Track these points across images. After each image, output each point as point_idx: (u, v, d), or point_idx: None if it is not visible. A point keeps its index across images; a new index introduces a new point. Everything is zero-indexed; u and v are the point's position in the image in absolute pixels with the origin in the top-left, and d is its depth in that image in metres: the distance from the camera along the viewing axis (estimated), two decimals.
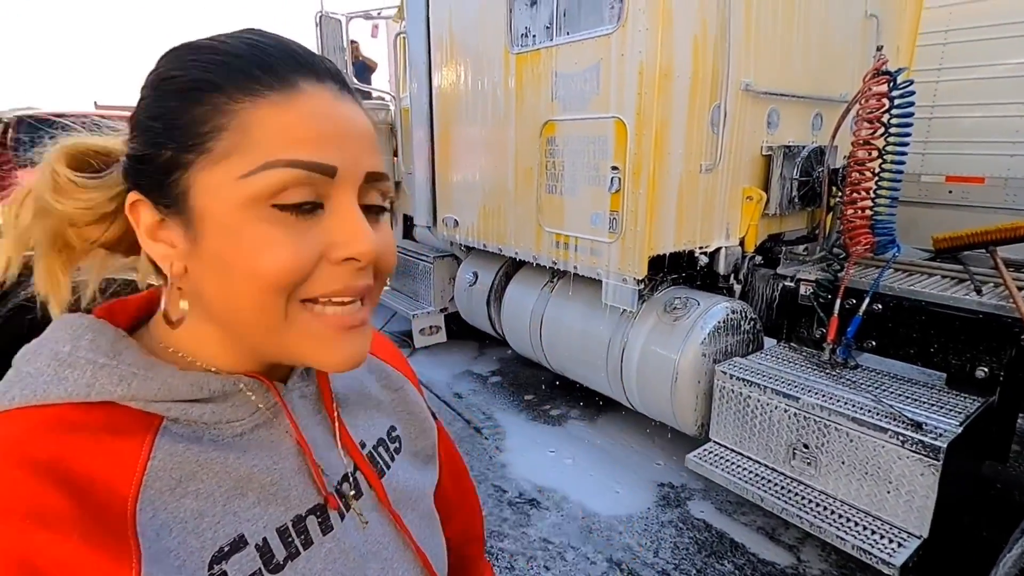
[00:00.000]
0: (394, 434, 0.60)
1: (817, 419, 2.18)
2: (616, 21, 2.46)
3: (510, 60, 3.08)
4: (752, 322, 2.80)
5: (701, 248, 2.85)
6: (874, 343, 2.56)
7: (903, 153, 2.58)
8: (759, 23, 2.74)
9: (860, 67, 3.18)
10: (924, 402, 2.17)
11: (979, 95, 4.86)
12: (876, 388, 2.29)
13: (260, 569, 0.42)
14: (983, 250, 2.68)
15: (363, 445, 0.55)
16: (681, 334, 2.64)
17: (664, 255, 2.70)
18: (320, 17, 4.39)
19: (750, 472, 2.37)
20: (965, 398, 2.19)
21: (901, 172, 2.61)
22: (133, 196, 0.42)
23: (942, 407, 2.12)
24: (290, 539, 0.44)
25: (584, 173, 2.75)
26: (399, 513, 0.54)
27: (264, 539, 0.43)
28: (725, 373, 2.49)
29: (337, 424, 0.53)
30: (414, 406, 0.64)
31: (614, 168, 2.58)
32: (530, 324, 3.47)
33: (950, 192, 5.24)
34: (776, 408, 2.31)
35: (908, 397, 2.21)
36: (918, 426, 1.95)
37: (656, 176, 2.51)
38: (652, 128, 2.41)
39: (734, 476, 2.36)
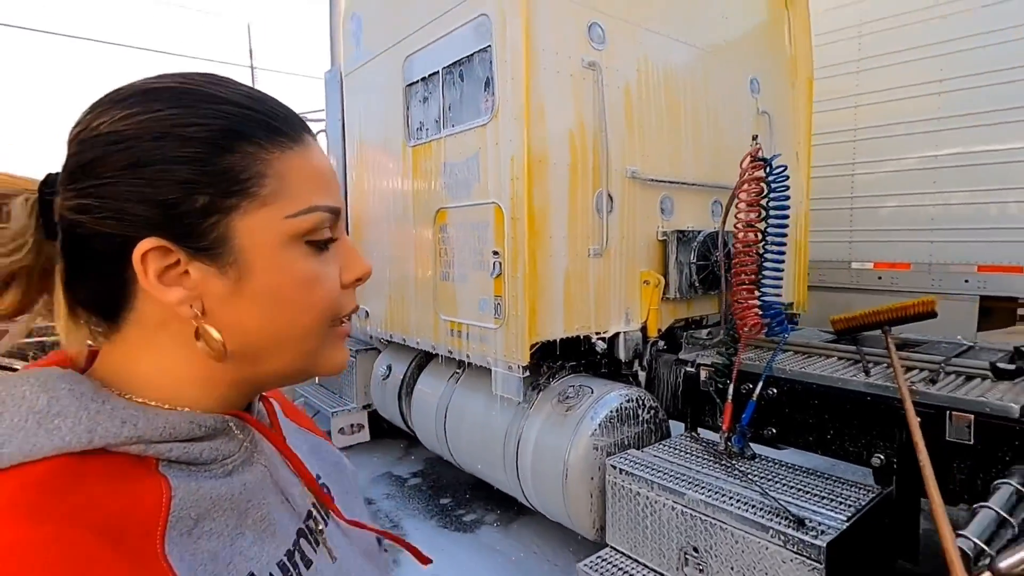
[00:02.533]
0: (321, 481, 0.60)
1: (703, 517, 1.97)
2: (489, 113, 2.54)
3: (407, 153, 3.14)
4: (652, 410, 2.64)
5: (598, 334, 2.75)
6: (774, 431, 2.41)
7: (783, 235, 2.59)
8: (642, 117, 2.85)
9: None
10: (816, 494, 1.99)
11: (893, 186, 5.09)
12: (768, 480, 2.11)
13: None
14: (879, 331, 2.63)
15: (318, 477, 0.58)
16: (572, 425, 2.47)
17: (554, 341, 2.60)
18: None
19: None
20: (861, 489, 2.02)
21: (783, 253, 2.61)
22: (149, 243, 0.40)
23: (834, 500, 1.94)
24: (288, 573, 0.45)
25: (471, 259, 2.71)
26: (357, 520, 0.58)
27: (270, 574, 0.43)
28: (615, 468, 2.29)
29: (289, 458, 0.53)
30: (329, 454, 0.66)
31: (495, 253, 2.54)
32: (435, 417, 3.27)
33: (879, 278, 5.34)
34: (664, 505, 2.10)
35: (800, 489, 2.03)
36: (800, 523, 1.76)
37: (536, 260, 2.46)
38: (526, 213, 2.40)
39: None
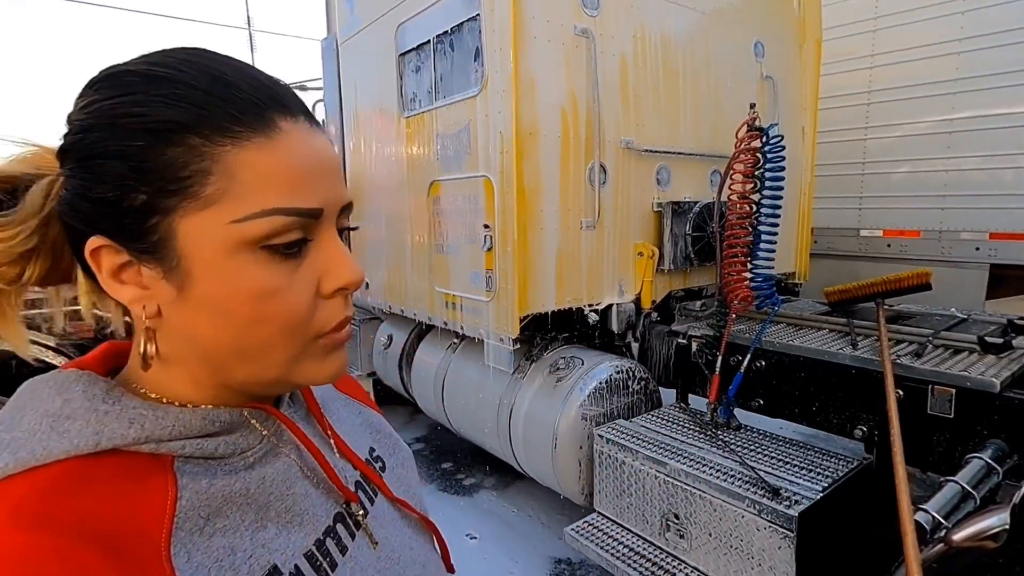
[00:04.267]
0: (375, 454, 0.60)
1: (684, 486, 2.03)
2: (479, 84, 2.50)
3: (402, 124, 3.12)
4: (643, 381, 2.68)
5: (590, 305, 2.78)
6: (761, 402, 2.44)
7: (777, 207, 2.56)
8: (638, 85, 2.80)
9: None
10: (796, 465, 2.03)
11: (906, 151, 4.96)
12: (751, 450, 2.15)
13: None
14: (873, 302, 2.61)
15: (371, 451, 0.59)
16: (561, 396, 2.52)
17: (545, 313, 2.63)
18: None
19: (626, 546, 2.19)
20: (841, 460, 2.05)
21: (776, 226, 2.58)
22: (96, 241, 0.39)
23: (813, 470, 1.98)
24: (318, 563, 0.44)
25: (464, 232, 2.72)
26: (403, 499, 0.57)
27: (296, 566, 0.42)
28: (602, 437, 2.35)
29: (333, 440, 0.53)
30: (382, 426, 0.66)
31: (486, 226, 2.55)
32: (434, 386, 3.34)
33: (888, 246, 5.26)
34: (647, 475, 2.16)
35: (781, 460, 2.07)
36: (775, 493, 1.81)
37: (527, 233, 2.47)
38: (515, 186, 2.39)
39: (608, 551, 2.17)
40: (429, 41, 2.80)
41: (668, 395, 2.84)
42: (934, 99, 4.73)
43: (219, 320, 0.40)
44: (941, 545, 1.20)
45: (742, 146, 2.57)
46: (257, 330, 0.40)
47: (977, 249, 4.74)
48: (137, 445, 0.39)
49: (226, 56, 0.41)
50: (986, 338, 2.06)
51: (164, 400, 0.43)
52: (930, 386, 1.93)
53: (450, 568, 0.63)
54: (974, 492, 1.38)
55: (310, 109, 0.44)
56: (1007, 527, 1.14)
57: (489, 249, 2.54)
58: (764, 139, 2.54)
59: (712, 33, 3.12)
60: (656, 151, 2.91)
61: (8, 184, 0.41)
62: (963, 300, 4.74)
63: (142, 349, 0.41)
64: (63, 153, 0.40)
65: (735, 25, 3.25)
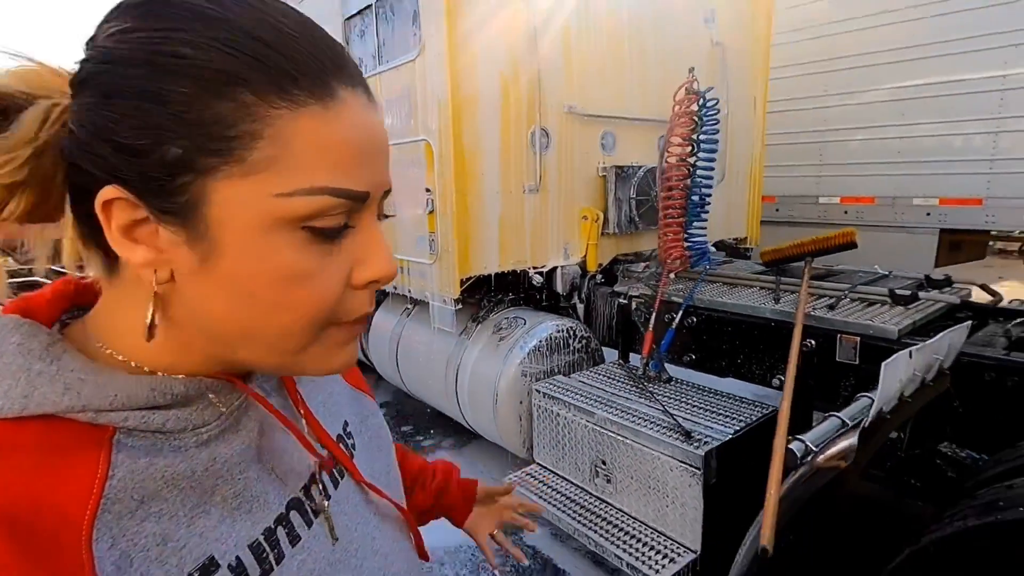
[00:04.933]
0: (348, 429, 0.57)
1: (610, 433, 2.14)
2: (417, 48, 2.53)
3: None
4: (584, 340, 2.78)
5: (535, 268, 2.85)
6: (693, 356, 2.55)
7: (711, 169, 2.64)
8: (582, 51, 2.83)
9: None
10: (714, 412, 2.15)
11: (862, 119, 5.05)
12: (675, 400, 2.26)
13: None
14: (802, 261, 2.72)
15: (345, 425, 0.56)
16: (502, 354, 2.62)
17: (488, 275, 2.70)
18: None
19: (560, 493, 2.31)
20: (756, 407, 2.17)
21: (710, 188, 2.66)
22: (112, 192, 0.34)
23: (728, 416, 2.10)
24: (264, 554, 0.40)
25: (409, 196, 2.77)
26: (372, 484, 0.54)
27: (237, 558, 0.38)
28: (540, 392, 2.45)
29: (304, 417, 0.50)
30: (364, 405, 0.63)
31: (427, 190, 2.60)
32: (389, 351, 3.43)
33: (846, 212, 5.38)
34: (578, 424, 2.27)
35: (701, 407, 2.19)
36: (687, 435, 1.92)
37: (466, 196, 2.53)
38: (453, 150, 2.44)
39: (542, 498, 2.29)
40: (371, 5, 2.80)
41: (613, 354, 2.95)
42: (889, 67, 4.80)
43: (238, 300, 0.36)
44: (806, 467, 1.31)
45: (678, 109, 2.64)
46: (278, 315, 0.36)
47: (928, 215, 4.87)
48: (71, 413, 0.35)
49: (284, 4, 0.37)
50: (896, 291, 2.17)
51: (130, 362, 0.39)
52: (839, 335, 2.04)
53: (423, 555, 0.60)
54: (848, 423, 1.49)
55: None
56: (855, 446, 1.26)
57: (431, 212, 2.60)
58: (701, 103, 2.60)
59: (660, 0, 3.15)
60: (601, 116, 2.96)
61: (8, 101, 0.35)
62: (915, 264, 4.89)
63: (148, 318, 0.37)
64: (81, 82, 0.35)
65: None
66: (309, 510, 0.46)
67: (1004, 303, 2.22)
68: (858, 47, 4.85)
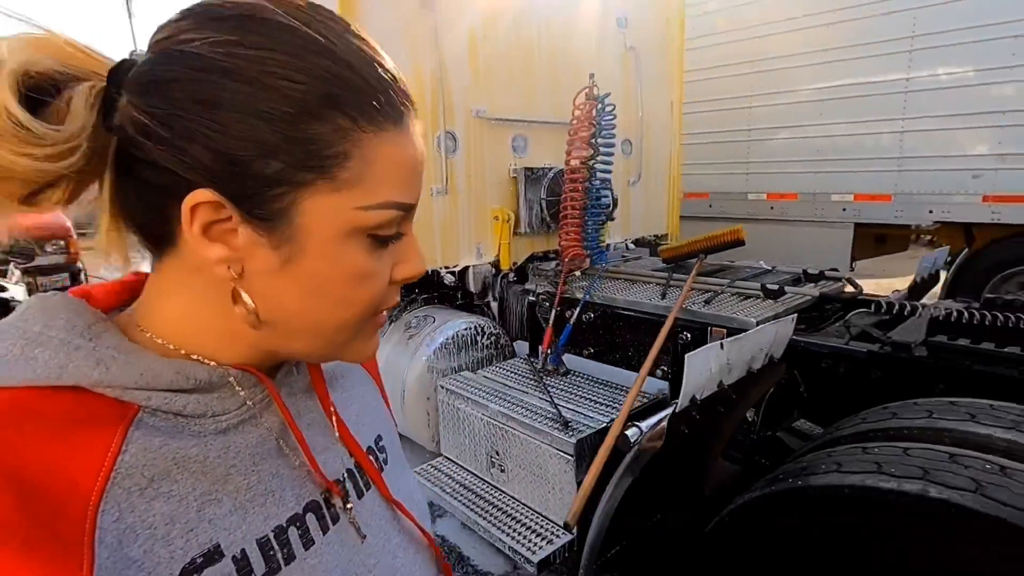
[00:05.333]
0: (380, 444, 0.58)
1: (501, 425, 2.25)
2: None
3: None
4: (493, 337, 2.89)
5: (446, 267, 2.95)
6: (592, 350, 2.68)
7: (608, 172, 2.77)
8: (489, 58, 2.92)
9: (621, 95, 3.44)
10: (600, 403, 2.28)
11: (785, 119, 5.26)
12: (568, 392, 2.39)
13: None
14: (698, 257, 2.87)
15: (378, 439, 0.56)
16: (411, 351, 2.71)
17: None
18: None
19: (460, 484, 2.41)
20: (644, 397, 2.31)
21: (607, 189, 2.79)
22: (206, 195, 0.36)
23: (611, 406, 2.23)
24: (271, 552, 0.40)
25: None
26: (400, 502, 0.54)
27: (242, 551, 0.39)
28: (443, 388, 2.55)
29: (334, 419, 0.51)
30: (389, 422, 0.64)
31: None
32: None
33: (772, 208, 5.61)
34: (475, 417, 2.37)
35: (589, 399, 2.32)
36: (565, 425, 2.05)
37: None
38: None
39: (444, 489, 2.39)
40: None
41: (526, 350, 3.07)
42: (810, 68, 5.02)
43: (311, 296, 0.40)
44: (636, 448, 1.44)
45: (578, 113, 2.76)
46: (341, 310, 0.41)
47: (844, 210, 5.12)
48: (101, 388, 0.37)
49: (357, 30, 0.41)
50: (767, 285, 2.34)
51: (167, 345, 0.41)
52: (709, 328, 2.19)
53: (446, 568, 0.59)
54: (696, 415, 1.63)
55: None
56: (664, 430, 1.39)
57: None
58: (600, 106, 2.73)
59: (570, 6, 3.26)
60: (511, 120, 3.06)
61: (47, 81, 0.36)
62: (834, 256, 5.15)
63: (247, 310, 0.40)
64: (152, 81, 0.36)
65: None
66: (328, 515, 0.46)
67: (865, 295, 2.41)
68: (783, 49, 5.06)
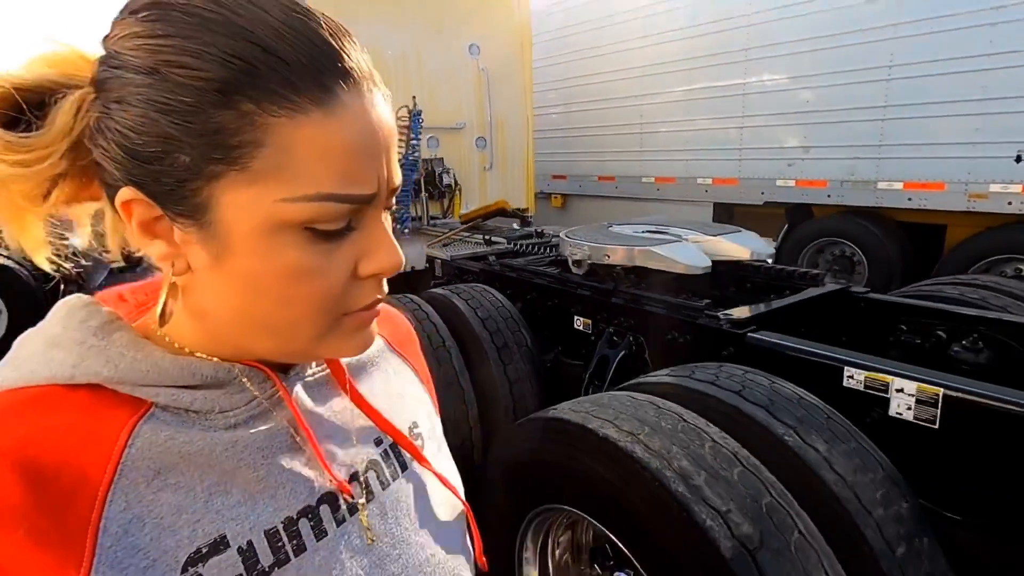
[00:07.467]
0: (416, 431, 0.55)
1: None
2: None
3: None
4: None
5: None
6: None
7: (414, 169, 4.11)
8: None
9: (475, 104, 4.76)
10: None
11: (665, 116, 6.39)
12: None
13: (241, 575, 0.38)
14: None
15: (415, 425, 0.55)
16: None
17: None
18: None
19: None
20: None
21: (411, 180, 4.13)
22: (129, 194, 0.36)
23: None
24: (280, 543, 0.40)
25: None
26: (441, 474, 0.53)
27: (249, 542, 0.39)
28: None
29: (360, 406, 0.49)
30: (430, 404, 0.61)
31: None
32: None
33: (658, 190, 6.77)
34: None
35: None
36: None
37: None
38: None
39: None
40: None
41: None
42: (680, 74, 6.10)
43: (250, 295, 0.38)
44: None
45: (399, 123, 4.12)
46: (287, 308, 0.39)
47: (706, 191, 6.20)
48: (112, 385, 0.38)
49: (298, 6, 0.36)
50: (491, 238, 3.63)
51: (175, 344, 0.42)
52: (436, 260, 3.53)
53: (480, 560, 0.56)
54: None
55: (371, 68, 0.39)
56: None
57: None
58: (413, 121, 4.07)
59: (424, 42, 4.52)
60: None
61: (33, 94, 0.37)
62: None
63: (160, 304, 0.41)
64: (100, 82, 0.37)
65: (449, 33, 4.63)
66: (344, 508, 0.45)
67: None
68: (665, 57, 6.13)
